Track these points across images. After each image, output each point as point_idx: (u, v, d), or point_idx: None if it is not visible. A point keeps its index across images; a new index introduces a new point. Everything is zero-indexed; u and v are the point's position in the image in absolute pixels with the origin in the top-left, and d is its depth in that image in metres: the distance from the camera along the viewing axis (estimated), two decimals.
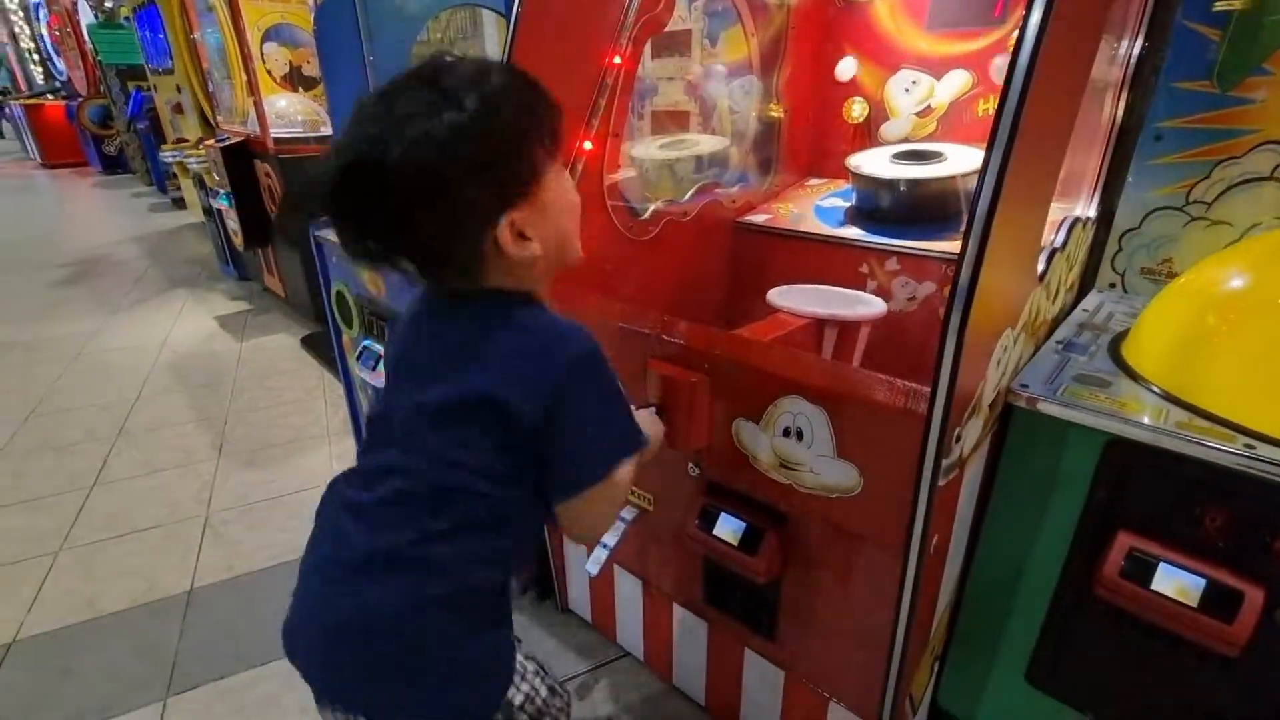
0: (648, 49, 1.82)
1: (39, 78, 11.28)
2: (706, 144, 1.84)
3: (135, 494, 1.94)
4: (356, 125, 0.57)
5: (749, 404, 0.85)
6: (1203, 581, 0.73)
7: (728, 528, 0.95)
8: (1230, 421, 0.75)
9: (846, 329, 1.23)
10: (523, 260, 0.62)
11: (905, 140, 1.57)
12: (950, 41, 1.48)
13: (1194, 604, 0.73)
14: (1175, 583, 0.75)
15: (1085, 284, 1.24)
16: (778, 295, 1.28)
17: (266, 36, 3.44)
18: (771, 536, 0.91)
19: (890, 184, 1.40)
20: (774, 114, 1.73)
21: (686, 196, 1.50)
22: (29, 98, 9.92)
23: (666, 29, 1.42)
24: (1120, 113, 1.13)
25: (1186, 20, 1.07)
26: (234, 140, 3.12)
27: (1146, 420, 0.77)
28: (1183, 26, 1.07)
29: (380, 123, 0.56)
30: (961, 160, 1.38)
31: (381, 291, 1.50)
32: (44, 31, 10.76)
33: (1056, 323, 1.09)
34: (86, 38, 7.49)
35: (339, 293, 1.70)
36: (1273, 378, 0.74)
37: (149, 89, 5.61)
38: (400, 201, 0.56)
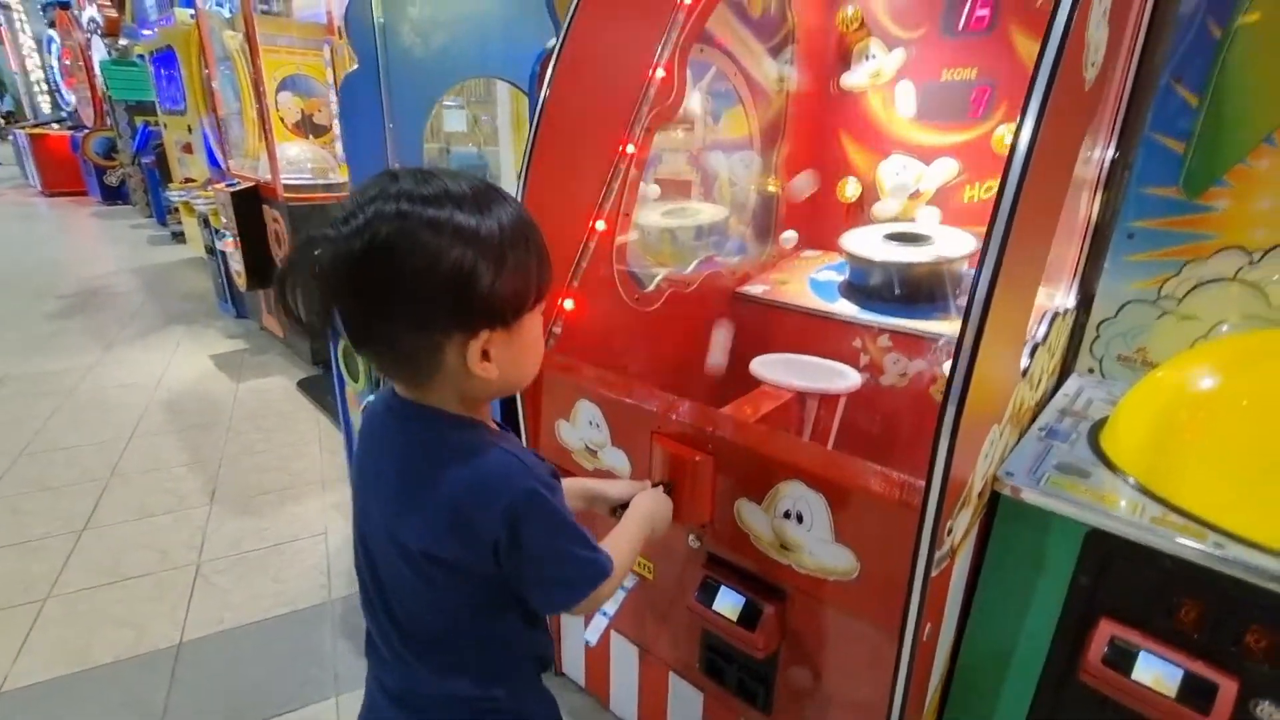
0: None
1: (44, 107, 11.45)
2: (707, 213, 1.93)
3: (126, 539, 1.93)
4: (376, 205, 0.56)
5: (752, 485, 0.89)
6: (1180, 672, 0.77)
7: (728, 602, 0.98)
8: (1202, 519, 0.80)
9: (826, 399, 1.29)
10: (477, 379, 0.61)
11: (895, 220, 1.66)
12: (937, 132, 1.59)
13: (1172, 694, 0.77)
14: (1154, 673, 0.79)
15: (1066, 368, 1.31)
16: (760, 366, 1.35)
17: (281, 86, 3.57)
18: (770, 612, 0.94)
19: (882, 265, 1.48)
20: (772, 188, 1.83)
21: (690, 268, 1.57)
22: (35, 125, 10.05)
23: None
24: (1095, 212, 1.22)
25: (1154, 133, 1.16)
26: (244, 185, 3.20)
27: (1124, 514, 0.82)
28: (1151, 138, 1.17)
29: (398, 204, 0.55)
30: (949, 244, 1.46)
31: None
32: (54, 63, 10.99)
33: (1039, 407, 1.15)
34: (98, 72, 7.67)
35: (346, 346, 1.74)
36: (1239, 479, 0.80)
37: (157, 125, 5.73)
38: (390, 291, 0.56)
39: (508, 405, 1.21)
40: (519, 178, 1.07)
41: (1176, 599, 0.79)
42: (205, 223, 3.95)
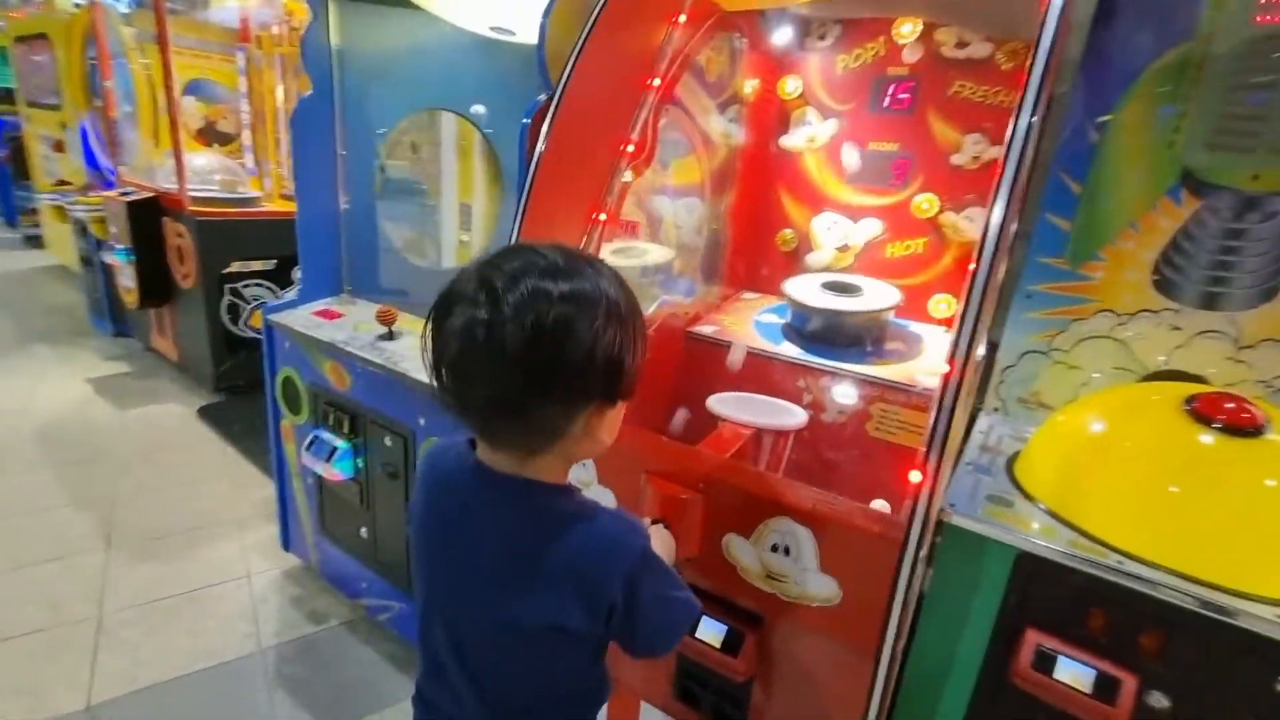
0: None
1: None
2: (655, 254, 2.02)
3: (6, 594, 1.70)
4: (529, 281, 0.58)
5: (740, 522, 0.97)
6: (1093, 672, 0.93)
7: (711, 630, 1.05)
8: (1103, 541, 0.97)
9: (779, 435, 1.42)
10: (591, 445, 0.66)
11: (827, 270, 1.84)
12: (864, 194, 1.79)
13: (1088, 691, 0.92)
14: (1072, 673, 0.94)
15: (976, 409, 1.51)
16: (717, 403, 1.45)
17: (185, 90, 3.33)
18: (751, 638, 1.02)
19: (821, 311, 1.64)
20: (717, 233, 1.96)
21: (652, 308, 1.66)
22: None
23: None
24: (1001, 275, 1.43)
25: (1048, 213, 1.39)
26: (142, 195, 2.93)
27: (1045, 538, 0.97)
28: (1045, 218, 1.39)
29: (557, 284, 0.58)
30: (878, 296, 1.65)
31: (345, 384, 1.50)
32: None
33: (963, 444, 1.32)
34: None
35: (287, 378, 1.66)
36: (1129, 508, 0.98)
37: (14, 115, 5.10)
38: (552, 370, 0.58)
39: None
40: (515, 221, 1.11)
41: (1087, 609, 0.96)
42: (83, 231, 3.55)
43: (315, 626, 1.63)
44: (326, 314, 1.65)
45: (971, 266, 0.84)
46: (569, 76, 1.10)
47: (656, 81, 1.33)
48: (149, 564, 1.85)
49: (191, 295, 2.90)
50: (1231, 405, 0.95)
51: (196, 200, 2.76)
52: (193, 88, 3.40)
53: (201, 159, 3.09)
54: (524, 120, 1.14)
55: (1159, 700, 0.91)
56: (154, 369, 3.32)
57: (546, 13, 1.16)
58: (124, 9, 3.18)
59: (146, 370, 3.31)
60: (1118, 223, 1.35)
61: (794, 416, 1.45)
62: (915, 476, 0.81)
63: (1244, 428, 0.93)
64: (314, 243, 1.73)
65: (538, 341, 0.57)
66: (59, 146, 4.11)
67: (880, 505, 1.06)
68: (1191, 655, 0.89)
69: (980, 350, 1.44)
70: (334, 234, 1.74)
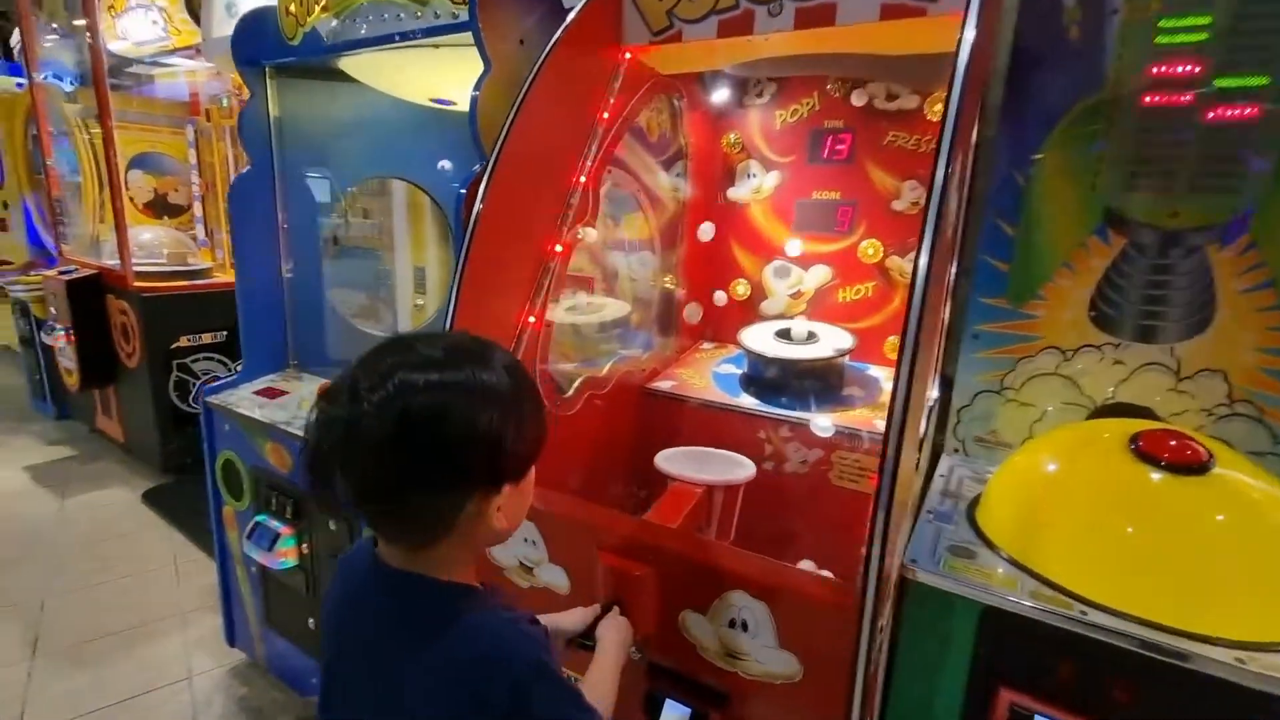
0: None
1: None
2: (610, 309, 2.02)
3: None
4: (401, 375, 0.57)
5: (696, 596, 0.93)
6: None
7: (674, 714, 0.99)
8: (1067, 589, 0.95)
9: (730, 489, 1.39)
10: (486, 532, 0.63)
11: (781, 316, 1.85)
12: (812, 242, 1.82)
13: None
14: None
15: (936, 450, 1.50)
16: (664, 460, 1.42)
17: (131, 164, 3.30)
18: (717, 718, 0.97)
19: (776, 360, 1.63)
20: (670, 286, 1.97)
21: (606, 367, 1.63)
22: None
23: None
24: (947, 316, 1.45)
25: (985, 255, 1.42)
26: (83, 273, 2.85)
27: (1007, 590, 0.95)
28: (983, 260, 1.42)
29: (425, 374, 0.57)
30: (832, 341, 1.65)
31: (287, 466, 1.43)
32: None
33: (923, 490, 1.31)
34: None
35: (228, 461, 1.58)
36: (1090, 554, 0.96)
37: None
38: (426, 458, 0.56)
39: None
40: (452, 281, 1.08)
41: (1058, 661, 0.93)
42: (24, 311, 3.43)
43: None
44: (269, 392, 1.59)
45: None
46: (501, 146, 1.10)
47: (593, 146, 1.34)
48: (78, 672, 1.70)
49: (137, 374, 2.79)
50: (1174, 443, 0.96)
51: (140, 275, 2.69)
52: (140, 161, 3.37)
53: (148, 233, 3.03)
54: (460, 190, 1.13)
55: None
56: (99, 452, 3.17)
57: (477, 86, 1.16)
58: (68, 87, 3.15)
59: (91, 454, 3.15)
60: (1052, 262, 1.38)
61: (743, 468, 1.43)
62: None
63: (1188, 465, 0.93)
64: (256, 317, 1.68)
65: (403, 431, 0.56)
66: (1, 225, 4.01)
67: (825, 573, 1.03)
68: (1163, 703, 0.86)
69: (929, 393, 1.45)
70: (278, 307, 1.69)
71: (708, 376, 1.77)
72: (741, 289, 1.92)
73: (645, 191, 1.78)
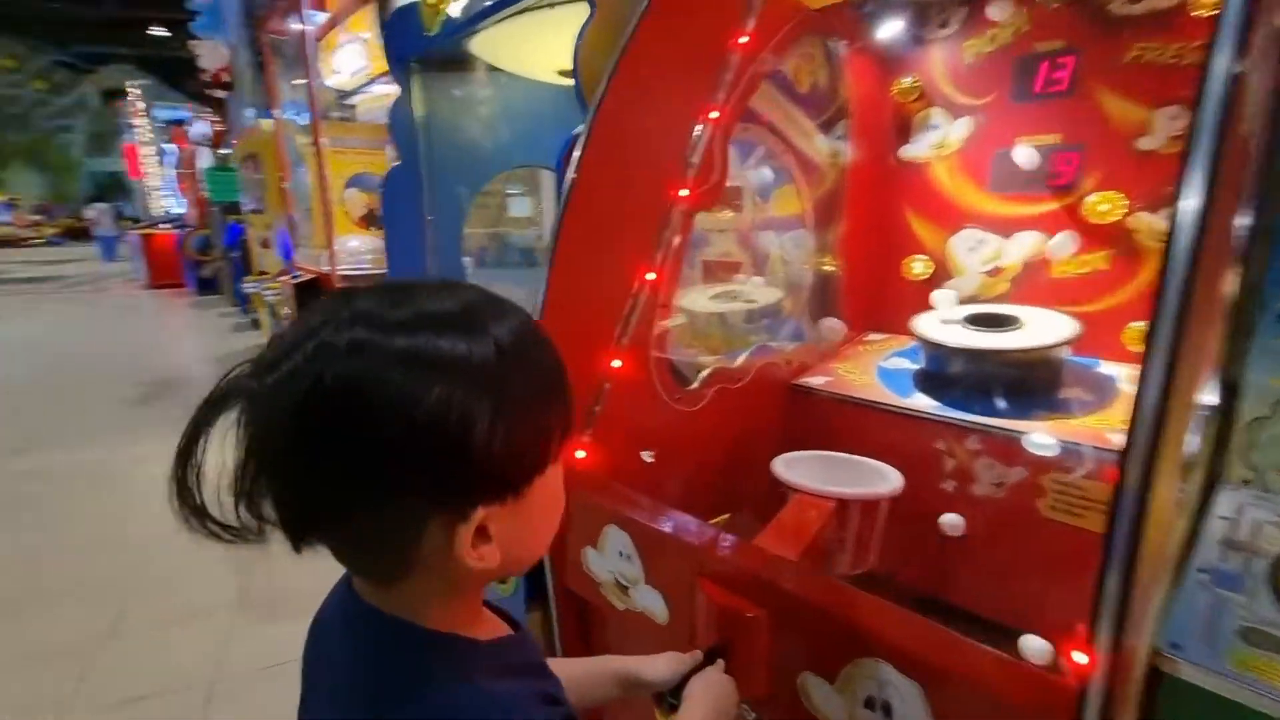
0: None
1: (158, 211, 12.81)
2: (759, 295, 1.79)
3: (146, 652, 1.84)
4: (321, 336, 0.40)
5: (821, 658, 0.69)
6: None
7: None
8: None
9: (866, 505, 1.09)
10: (475, 565, 0.43)
11: (973, 300, 1.47)
12: (1015, 204, 1.42)
13: None
14: None
15: (1212, 481, 1.05)
16: (785, 466, 1.16)
17: (349, 183, 3.77)
18: None
19: (966, 352, 1.28)
20: (829, 267, 1.68)
21: (741, 358, 1.42)
22: (147, 226, 11.18)
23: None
24: (1235, 292, 1.00)
25: None
26: (306, 277, 3.32)
27: None
28: None
29: (351, 332, 0.39)
30: (1044, 327, 1.26)
31: None
32: (171, 172, 12.39)
33: (1191, 538, 0.90)
34: (201, 178, 8.55)
35: None
36: None
37: (243, 222, 6.22)
38: (341, 458, 0.39)
39: None
40: (549, 253, 0.97)
41: None
42: (273, 312, 4.14)
43: None
44: None
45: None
46: (604, 96, 0.96)
47: (721, 95, 1.14)
48: (273, 625, 1.92)
49: None
50: None
51: (344, 278, 3.05)
52: (356, 181, 3.85)
53: (355, 241, 3.44)
54: (560, 152, 1.01)
55: None
56: None
57: (580, 34, 1.03)
58: (301, 121, 3.72)
59: None
60: None
61: (884, 480, 1.12)
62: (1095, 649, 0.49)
63: None
64: None
65: (306, 415, 0.38)
66: (265, 244, 4.88)
67: (1039, 645, 0.72)
68: None
69: (1199, 398, 1.01)
70: None
71: (871, 373, 1.46)
72: (919, 267, 1.57)
73: (796, 157, 1.53)
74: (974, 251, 1.50)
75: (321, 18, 2.97)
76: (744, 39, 1.13)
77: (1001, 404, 1.22)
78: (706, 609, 0.77)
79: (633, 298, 1.07)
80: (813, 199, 1.61)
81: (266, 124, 4.35)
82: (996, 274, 1.46)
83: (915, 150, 1.55)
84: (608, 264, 1.03)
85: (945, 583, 1.24)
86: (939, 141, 1.51)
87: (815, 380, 1.48)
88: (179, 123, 10.74)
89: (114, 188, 20.71)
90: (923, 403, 1.31)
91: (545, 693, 0.47)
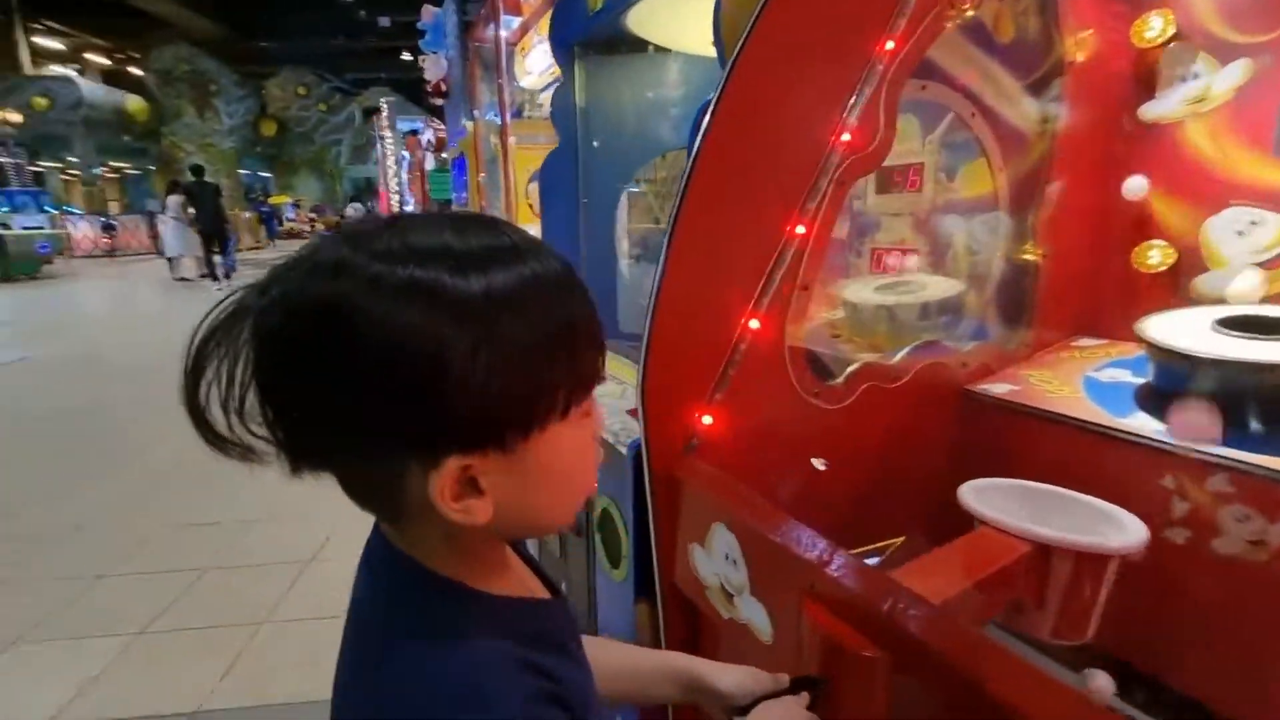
0: (870, 184, 1.65)
1: (395, 207, 15.04)
2: (935, 287, 1.56)
3: (345, 575, 2.13)
4: (316, 257, 0.39)
5: None
6: None
7: None
8: None
9: (1088, 559, 0.84)
10: (456, 522, 0.40)
11: (1240, 300, 1.12)
12: None
13: None
14: None
15: None
16: (974, 494, 0.95)
17: (532, 178, 4.04)
18: None
19: (1216, 365, 0.97)
20: (1028, 256, 1.40)
21: (900, 355, 1.23)
22: None
23: (891, 163, 1.25)
24: None
25: None
26: None
27: None
28: None
29: (339, 251, 0.38)
30: None
31: None
32: (404, 175, 14.48)
33: None
34: (425, 180, 9.88)
35: None
36: None
37: None
38: (311, 389, 0.38)
39: (638, 511, 1.01)
40: (665, 242, 0.90)
41: None
42: None
43: None
44: None
45: None
46: (740, 54, 0.86)
47: (890, 44, 0.98)
48: None
49: None
50: None
51: None
52: (538, 175, 4.12)
53: (534, 230, 3.69)
54: (694, 120, 0.93)
55: None
56: None
57: None
58: (498, 122, 4.06)
59: None
60: None
61: (1120, 529, 0.87)
62: None
63: None
64: None
65: (281, 337, 0.37)
66: None
67: None
68: None
69: None
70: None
71: (1075, 383, 1.19)
72: (1155, 256, 1.24)
73: (991, 123, 1.28)
74: (1244, 237, 1.14)
75: (516, 23, 3.19)
76: None
77: (1265, 436, 0.90)
78: (810, 636, 0.65)
79: (766, 275, 0.96)
80: (1011, 175, 1.35)
81: (469, 125, 4.83)
82: (1276, 266, 1.10)
83: (1163, 108, 1.23)
84: (737, 237, 0.94)
85: (1170, 663, 0.96)
86: (1199, 94, 1.18)
87: (998, 388, 1.24)
88: (414, 132, 12.43)
89: (367, 190, 24.86)
90: (1146, 425, 1.02)
91: (533, 664, 0.42)
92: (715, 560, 0.86)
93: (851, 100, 0.97)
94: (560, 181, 1.69)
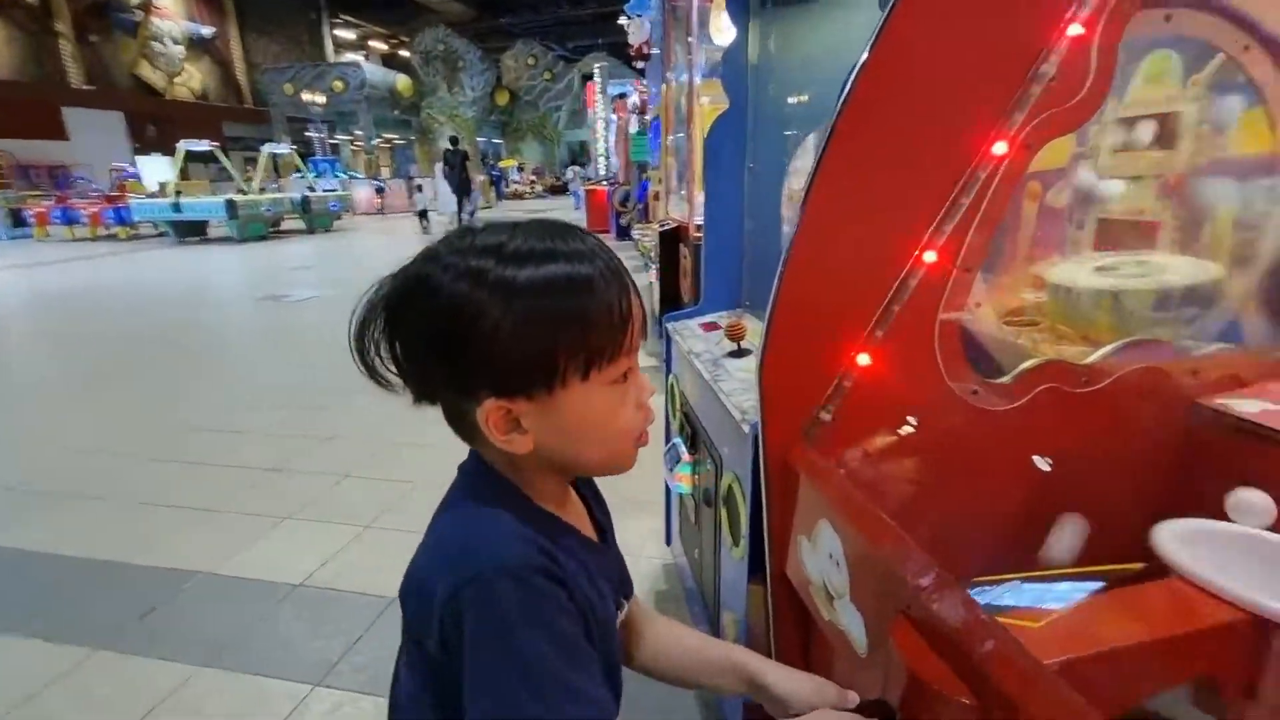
0: (1104, 139, 1.36)
1: (602, 170, 15.83)
2: (1180, 270, 1.26)
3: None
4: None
5: None
6: None
7: None
8: None
9: None
10: (517, 444, 0.55)
11: None
12: None
13: None
14: None
15: None
16: (1174, 539, 0.75)
17: None
18: None
19: None
20: None
21: (1098, 354, 1.02)
22: (590, 183, 14.00)
23: (1140, 115, 1.02)
24: None
25: None
26: (672, 225, 3.67)
27: None
28: None
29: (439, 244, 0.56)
30: None
31: (695, 399, 1.47)
32: (611, 138, 15.11)
33: None
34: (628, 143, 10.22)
35: (672, 383, 1.75)
36: None
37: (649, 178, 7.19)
38: (400, 339, 0.55)
39: (755, 493, 0.98)
40: (801, 204, 0.84)
41: None
42: (647, 257, 4.73)
43: None
44: (709, 325, 1.66)
45: None
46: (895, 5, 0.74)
47: None
48: None
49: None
50: None
51: (697, 227, 3.25)
52: None
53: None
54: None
55: None
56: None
57: None
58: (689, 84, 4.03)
59: None
60: None
61: None
62: None
63: None
64: (716, 253, 1.76)
65: (388, 303, 0.55)
66: (655, 196, 5.56)
67: None
68: None
69: None
70: (738, 245, 1.73)
71: None
72: None
73: (1273, 56, 0.96)
74: None
75: None
76: None
77: None
78: (895, 657, 0.59)
79: (918, 253, 0.84)
80: None
81: (664, 88, 4.86)
82: None
83: None
84: (882, 209, 0.83)
85: None
86: None
87: (1245, 405, 0.97)
88: (622, 96, 12.87)
89: (582, 153, 26.52)
90: None
91: (546, 550, 0.53)
92: (820, 557, 0.81)
93: (1053, 39, 0.79)
94: (728, 146, 1.64)
